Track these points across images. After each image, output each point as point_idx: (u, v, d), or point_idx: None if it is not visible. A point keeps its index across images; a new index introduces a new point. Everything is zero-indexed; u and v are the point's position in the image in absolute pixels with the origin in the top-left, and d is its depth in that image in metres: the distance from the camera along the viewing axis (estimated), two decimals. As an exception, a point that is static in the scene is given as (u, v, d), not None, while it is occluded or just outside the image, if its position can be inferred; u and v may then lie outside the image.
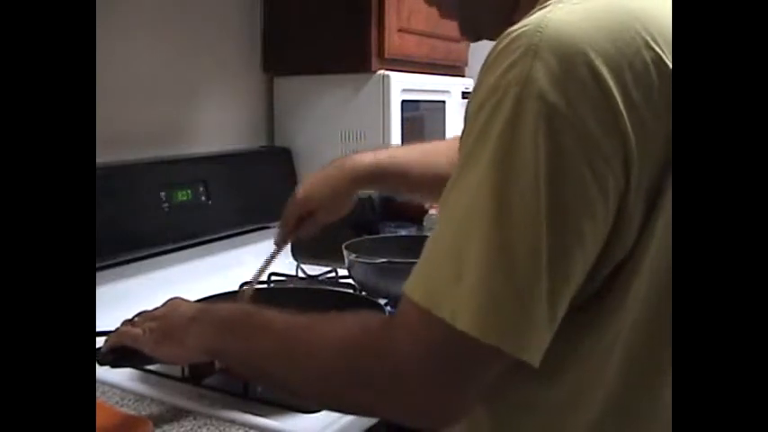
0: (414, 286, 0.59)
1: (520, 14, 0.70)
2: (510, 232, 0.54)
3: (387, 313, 1.12)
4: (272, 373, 0.73)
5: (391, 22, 1.72)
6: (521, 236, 0.54)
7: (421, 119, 1.86)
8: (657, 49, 0.57)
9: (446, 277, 0.57)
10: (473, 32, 0.82)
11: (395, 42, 1.73)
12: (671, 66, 0.57)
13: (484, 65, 0.59)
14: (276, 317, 0.76)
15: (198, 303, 0.89)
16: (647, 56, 0.56)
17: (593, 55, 0.54)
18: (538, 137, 0.53)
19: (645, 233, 0.59)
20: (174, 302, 0.88)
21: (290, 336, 0.72)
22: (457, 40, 2.05)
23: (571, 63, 0.54)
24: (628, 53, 0.55)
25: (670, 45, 0.57)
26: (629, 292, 0.61)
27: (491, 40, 0.83)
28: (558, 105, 0.53)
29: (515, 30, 0.58)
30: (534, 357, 0.56)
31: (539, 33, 0.55)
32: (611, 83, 0.54)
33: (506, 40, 0.58)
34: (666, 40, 0.58)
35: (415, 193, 1.23)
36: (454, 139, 0.80)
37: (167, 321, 0.84)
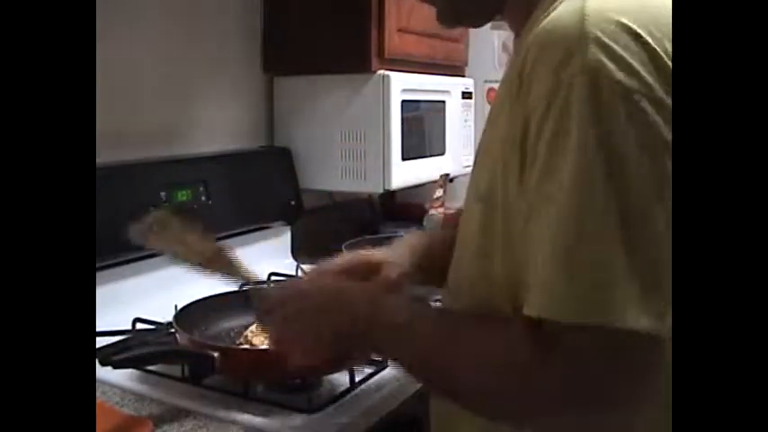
0: (565, 307, 0.57)
1: (515, 5, 0.71)
2: (637, 229, 0.55)
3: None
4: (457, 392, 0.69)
5: (391, 22, 1.72)
6: (645, 229, 0.55)
7: (421, 119, 1.86)
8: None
9: (598, 285, 0.56)
10: (453, 18, 0.82)
11: (395, 42, 1.73)
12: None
13: (530, 57, 0.59)
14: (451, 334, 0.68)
15: (337, 295, 0.78)
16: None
17: (641, 31, 0.56)
18: (623, 120, 0.55)
19: None
20: (295, 288, 0.80)
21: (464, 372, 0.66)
22: (457, 40, 2.05)
23: (625, 41, 0.55)
24: (667, 31, 0.57)
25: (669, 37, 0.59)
26: None
27: (472, 27, 0.83)
28: (630, 84, 0.55)
29: (555, 20, 0.59)
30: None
31: (585, 20, 0.56)
32: (664, 56, 0.56)
33: (552, 30, 0.59)
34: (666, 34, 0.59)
35: None
36: None
37: (332, 322, 0.75)
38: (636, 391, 0.58)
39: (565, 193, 0.56)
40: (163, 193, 1.41)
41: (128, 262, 1.35)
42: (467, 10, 0.79)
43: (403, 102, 1.73)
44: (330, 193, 1.96)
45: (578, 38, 0.56)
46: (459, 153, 2.03)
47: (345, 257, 1.02)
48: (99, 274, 1.25)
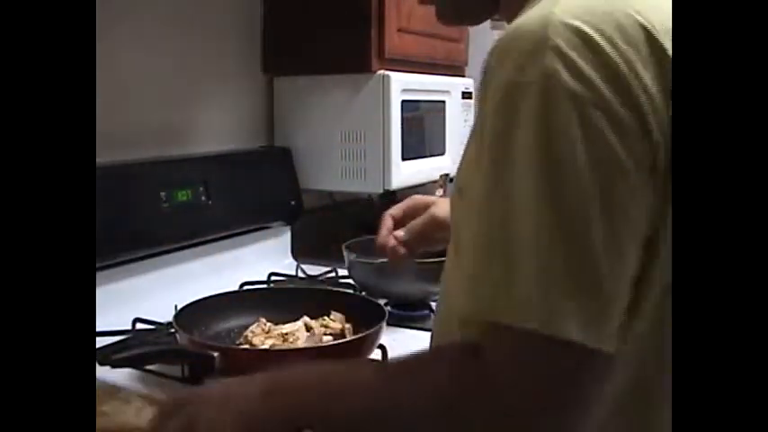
0: (488, 305, 0.56)
1: (508, 2, 0.71)
2: (570, 232, 0.54)
3: (386, 315, 1.12)
4: None
5: (391, 22, 1.72)
6: (580, 234, 0.54)
7: (421, 119, 1.86)
8: (659, 37, 0.58)
9: (502, 283, 0.55)
10: (453, 16, 0.83)
11: (395, 42, 1.73)
12: (670, 55, 0.57)
13: (492, 60, 0.60)
14: (354, 383, 0.65)
15: (227, 386, 0.73)
16: (650, 45, 0.57)
17: (602, 41, 0.56)
18: (571, 127, 0.54)
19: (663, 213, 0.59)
20: (195, 394, 0.74)
21: (379, 405, 0.63)
22: (457, 40, 2.05)
23: (583, 50, 0.55)
24: (633, 41, 0.56)
25: (669, 34, 0.58)
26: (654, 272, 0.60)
27: (471, 24, 0.82)
28: (582, 92, 0.55)
29: (522, 23, 0.59)
30: (613, 347, 0.55)
31: (548, 27, 0.56)
32: (624, 67, 0.55)
33: (515, 34, 0.59)
34: (666, 29, 0.58)
35: None
36: None
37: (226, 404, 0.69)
38: (567, 406, 0.56)
39: (509, 201, 0.56)
40: (163, 193, 1.41)
41: (128, 262, 1.35)
42: (466, 8, 0.80)
43: (403, 102, 1.73)
44: (330, 193, 1.96)
45: (538, 45, 0.56)
46: (459, 153, 2.01)
47: (404, 203, 1.14)
48: (99, 274, 1.25)
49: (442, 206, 1.07)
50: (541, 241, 0.54)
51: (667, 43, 0.57)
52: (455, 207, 0.75)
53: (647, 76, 0.56)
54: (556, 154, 0.54)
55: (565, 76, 0.55)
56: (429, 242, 1.10)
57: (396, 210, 1.15)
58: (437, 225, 1.07)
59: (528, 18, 0.59)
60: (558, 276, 0.54)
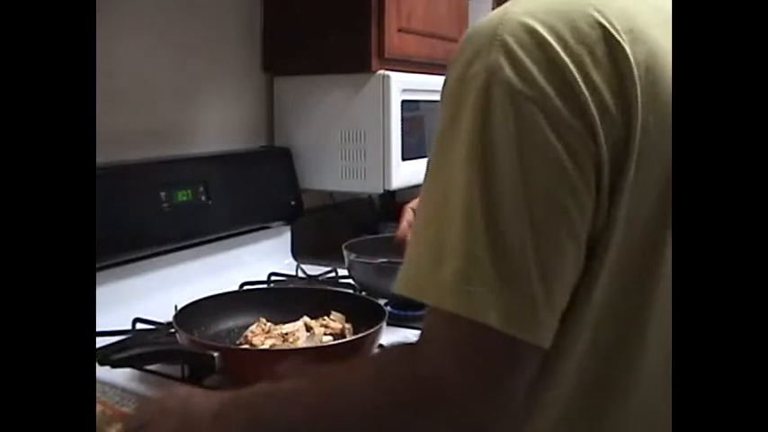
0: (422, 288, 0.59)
1: None
2: (496, 219, 0.55)
3: (386, 315, 1.12)
4: None
5: (391, 22, 1.72)
6: (507, 222, 0.55)
7: (421, 119, 1.86)
8: (618, 36, 0.58)
9: (433, 266, 0.57)
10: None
11: (395, 42, 1.73)
12: (629, 54, 0.58)
13: (451, 56, 0.62)
14: (295, 394, 0.69)
15: (189, 399, 0.76)
16: (607, 44, 0.58)
17: (552, 39, 0.57)
18: (508, 121, 0.55)
19: (610, 214, 0.59)
20: (160, 407, 0.76)
21: (322, 412, 0.65)
22: (457, 41, 2.05)
23: (530, 47, 0.56)
24: (588, 41, 0.57)
25: (631, 34, 0.58)
26: (598, 274, 0.61)
27: None
28: (522, 88, 0.55)
29: (480, 22, 0.61)
30: (544, 339, 0.56)
31: (500, 25, 0.58)
32: (572, 66, 0.56)
33: (470, 33, 0.61)
34: (627, 29, 0.59)
35: None
36: None
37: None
38: (491, 393, 0.57)
39: (445, 188, 0.58)
40: (163, 193, 1.41)
41: (128, 262, 1.35)
42: None
43: (403, 102, 1.73)
44: (330, 193, 1.96)
45: (488, 40, 0.58)
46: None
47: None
48: (99, 274, 1.25)
49: None
50: (469, 228, 0.55)
51: (626, 43, 0.58)
52: None
53: (599, 77, 0.56)
54: (490, 146, 0.56)
55: (508, 71, 0.56)
56: None
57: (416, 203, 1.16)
58: None
59: (487, 17, 0.60)
60: (482, 262, 0.55)
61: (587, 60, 0.56)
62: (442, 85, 0.63)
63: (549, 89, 0.56)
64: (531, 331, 0.55)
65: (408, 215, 1.15)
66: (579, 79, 0.56)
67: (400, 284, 0.60)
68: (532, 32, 0.57)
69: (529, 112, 0.55)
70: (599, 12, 0.58)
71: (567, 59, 0.56)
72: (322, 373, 0.69)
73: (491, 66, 0.56)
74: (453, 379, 0.56)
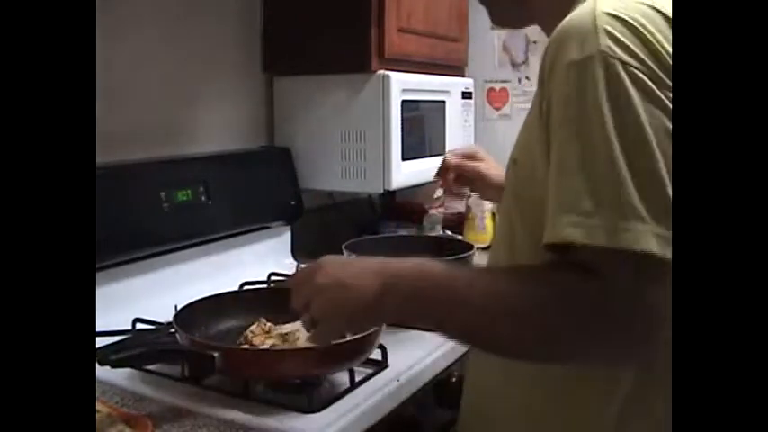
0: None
1: (549, 18, 0.86)
2: (636, 167, 0.67)
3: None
4: (484, 336, 0.75)
5: (391, 22, 1.72)
6: (646, 168, 0.66)
7: (421, 119, 1.86)
8: (670, 21, 0.71)
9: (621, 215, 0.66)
10: (500, 24, 1.02)
11: (395, 42, 1.73)
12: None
13: (551, 49, 0.74)
14: (472, 281, 0.76)
15: (355, 263, 0.83)
16: (668, 26, 0.71)
17: (638, 26, 0.70)
18: (628, 88, 0.68)
19: None
20: (327, 267, 0.81)
21: (494, 305, 0.72)
22: (457, 40, 2.05)
23: (627, 33, 0.69)
24: (658, 25, 0.71)
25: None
26: None
27: (515, 29, 0.95)
28: (631, 62, 0.69)
29: (572, 19, 0.73)
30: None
31: (597, 18, 0.71)
32: (656, 44, 0.70)
33: (568, 27, 0.73)
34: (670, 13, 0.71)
35: None
36: None
37: (344, 296, 0.78)
38: (646, 320, 0.67)
39: (589, 147, 0.68)
40: (163, 193, 1.41)
41: (128, 262, 1.36)
42: (508, 19, 1.01)
43: (403, 102, 1.73)
44: (330, 193, 1.96)
45: (592, 30, 0.70)
46: (459, 153, 2.03)
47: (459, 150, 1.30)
48: (99, 274, 1.25)
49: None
50: (618, 177, 0.66)
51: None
52: (509, 176, 0.88)
53: (669, 48, 0.69)
54: (619, 108, 0.67)
55: (617, 50, 0.69)
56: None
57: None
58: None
59: (575, 15, 0.73)
60: (633, 202, 0.66)
61: (661, 38, 0.70)
62: (540, 74, 0.76)
63: (649, 61, 0.69)
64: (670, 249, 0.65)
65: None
66: (664, 52, 0.69)
67: (563, 232, 0.68)
68: (623, 21, 0.70)
69: (640, 79, 0.68)
70: (654, 3, 0.72)
71: (651, 39, 0.69)
72: (491, 275, 0.78)
73: (603, 48, 0.69)
74: (623, 296, 0.66)
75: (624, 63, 0.68)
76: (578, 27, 0.72)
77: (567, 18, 0.74)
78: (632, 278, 0.66)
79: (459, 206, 1.30)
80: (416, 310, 0.78)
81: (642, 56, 0.69)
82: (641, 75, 0.68)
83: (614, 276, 0.66)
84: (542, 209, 0.72)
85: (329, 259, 0.83)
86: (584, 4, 0.74)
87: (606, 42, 0.69)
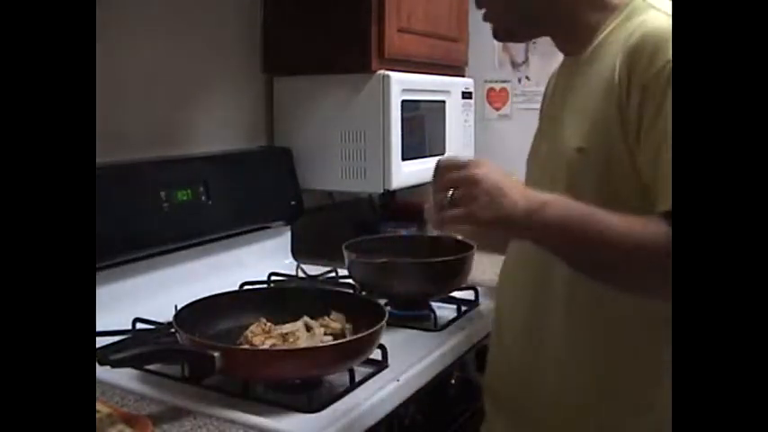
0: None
1: (570, 32, 0.98)
2: None
3: (386, 315, 1.12)
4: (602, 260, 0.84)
5: (391, 22, 1.72)
6: None
7: (421, 119, 1.86)
8: None
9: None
10: (505, 37, 1.05)
11: (395, 42, 1.73)
12: None
13: (646, 51, 0.83)
14: (612, 220, 0.83)
15: (511, 178, 0.89)
16: None
17: None
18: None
19: None
20: (489, 166, 0.87)
21: (631, 246, 0.81)
22: (457, 41, 2.05)
23: None
24: None
25: None
26: None
27: (520, 42, 1.04)
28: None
29: (655, 30, 0.84)
30: None
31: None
32: None
33: (656, 36, 0.83)
34: None
35: None
36: None
37: (499, 197, 0.84)
38: None
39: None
40: (163, 193, 1.41)
41: (128, 262, 1.36)
42: (516, 33, 1.05)
43: (403, 102, 1.73)
44: (330, 193, 1.96)
45: (667, 39, 0.79)
46: (459, 153, 2.03)
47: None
48: (99, 274, 1.25)
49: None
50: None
51: None
52: (574, 164, 0.92)
53: None
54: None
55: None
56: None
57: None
58: None
59: (659, 25, 0.84)
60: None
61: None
62: (630, 66, 0.85)
63: None
64: None
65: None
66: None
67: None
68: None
69: None
70: None
71: None
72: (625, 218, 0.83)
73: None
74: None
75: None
76: (666, 35, 0.81)
77: (650, 28, 0.85)
78: None
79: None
80: (556, 236, 0.85)
81: None
82: None
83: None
84: (629, 186, 0.85)
85: (487, 161, 0.88)
86: (656, 16, 0.87)
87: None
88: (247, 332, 1.12)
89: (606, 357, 0.94)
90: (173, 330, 1.08)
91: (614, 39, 0.91)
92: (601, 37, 0.95)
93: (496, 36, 1.03)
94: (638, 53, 0.84)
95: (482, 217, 0.84)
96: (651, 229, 0.80)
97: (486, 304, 1.44)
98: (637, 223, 0.81)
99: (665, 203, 0.80)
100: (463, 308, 1.41)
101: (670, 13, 0.84)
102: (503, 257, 1.10)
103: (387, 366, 1.11)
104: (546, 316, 0.97)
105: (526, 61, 2.29)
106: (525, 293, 1.01)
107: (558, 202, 0.85)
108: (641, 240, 0.80)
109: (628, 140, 0.85)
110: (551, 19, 0.99)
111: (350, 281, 1.46)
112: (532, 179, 1.03)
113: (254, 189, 1.64)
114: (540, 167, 1.04)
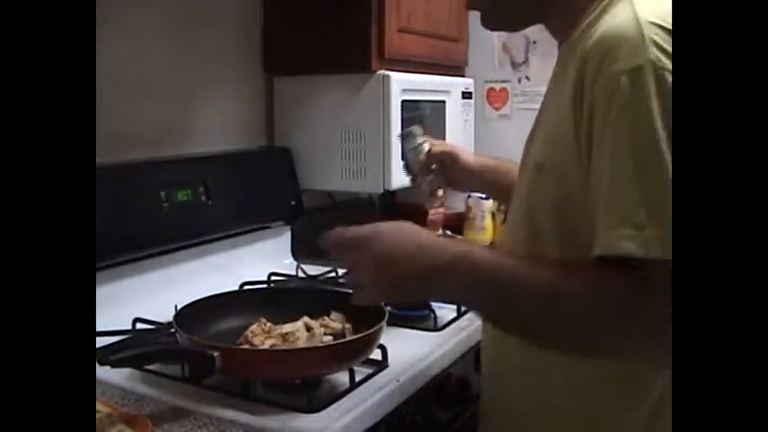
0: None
1: (561, 16, 0.88)
2: (661, 172, 0.68)
3: (386, 315, 1.12)
4: (528, 324, 0.78)
5: (391, 22, 1.72)
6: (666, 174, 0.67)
7: (421, 119, 1.86)
8: None
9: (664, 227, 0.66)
10: (498, 24, 0.97)
11: (395, 42, 1.73)
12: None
13: (593, 59, 0.73)
14: (522, 274, 0.77)
15: (411, 240, 0.83)
16: None
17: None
18: (667, 102, 0.68)
19: None
20: (385, 235, 0.83)
21: (544, 301, 0.75)
22: (457, 40, 2.05)
23: (670, 41, 0.69)
24: None
25: None
26: None
27: (511, 32, 1.02)
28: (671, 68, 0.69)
29: (614, 28, 0.74)
30: None
31: (644, 27, 0.71)
32: None
33: (614, 36, 0.73)
34: None
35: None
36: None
37: (396, 273, 0.81)
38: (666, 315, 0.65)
39: (634, 157, 0.69)
40: (163, 193, 1.41)
41: (128, 262, 1.35)
42: (510, 18, 0.95)
43: (403, 102, 1.73)
44: (330, 193, 1.96)
45: (639, 40, 0.70)
46: (459, 153, 2.03)
47: (441, 148, 1.30)
48: (99, 274, 1.25)
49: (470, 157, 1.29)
50: (667, 192, 0.65)
51: None
52: (531, 181, 0.87)
53: None
54: (668, 124, 0.67)
55: (666, 61, 0.69)
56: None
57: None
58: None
59: (618, 23, 0.73)
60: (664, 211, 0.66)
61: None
62: (577, 81, 0.76)
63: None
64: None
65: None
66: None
67: (618, 245, 0.69)
68: (668, 31, 0.70)
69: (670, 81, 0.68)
70: None
71: None
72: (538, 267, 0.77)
73: (653, 58, 0.69)
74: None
75: (671, 73, 0.68)
76: (625, 36, 0.72)
77: (608, 26, 0.75)
78: (666, 281, 0.64)
79: (436, 204, 1.35)
80: (463, 299, 0.83)
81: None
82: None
83: (667, 285, 0.64)
84: (577, 214, 0.76)
85: (386, 229, 0.84)
86: (621, 11, 0.75)
87: (655, 52, 0.69)
88: (247, 332, 1.12)
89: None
90: (173, 330, 1.08)
91: (588, 33, 0.80)
92: (583, 25, 0.84)
93: (485, 23, 0.95)
94: (590, 60, 0.75)
95: (382, 298, 0.83)
96: (569, 280, 0.73)
97: (486, 304, 1.44)
98: (554, 273, 0.74)
99: (599, 246, 0.71)
100: (463, 308, 1.41)
101: (647, 5, 0.74)
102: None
103: (387, 366, 1.11)
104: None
105: (526, 61, 2.29)
106: None
107: (463, 263, 0.78)
108: (555, 293, 0.73)
109: (581, 161, 0.76)
110: (537, 1, 0.90)
111: (350, 281, 1.46)
112: (516, 188, 0.96)
113: (254, 189, 1.64)
114: (518, 176, 0.97)
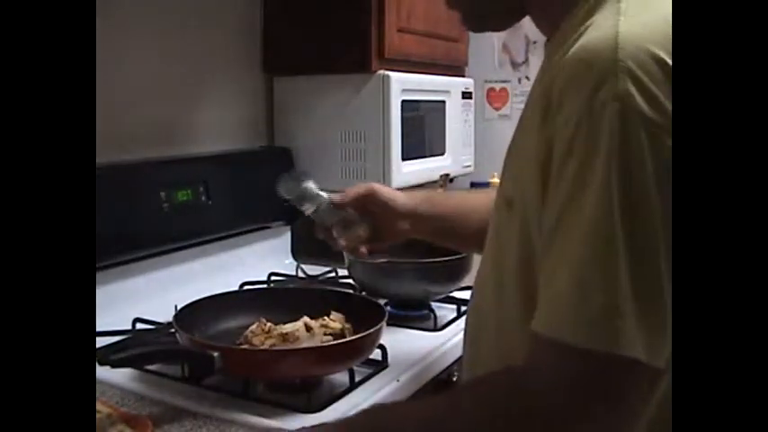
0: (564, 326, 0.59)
1: (542, 12, 0.77)
2: (638, 253, 0.57)
3: (386, 315, 1.12)
4: None
5: (391, 22, 1.72)
6: (646, 255, 0.57)
7: (421, 119, 1.86)
8: None
9: (607, 312, 0.57)
10: (477, 23, 0.88)
11: (395, 42, 1.73)
12: None
13: (561, 81, 0.61)
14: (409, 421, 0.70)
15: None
16: None
17: (670, 59, 0.57)
18: (644, 151, 0.57)
19: None
20: None
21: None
22: (457, 40, 2.05)
23: (656, 74, 0.57)
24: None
25: None
26: None
27: (494, 31, 0.87)
28: (653, 116, 0.57)
29: (588, 47, 0.61)
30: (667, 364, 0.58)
31: (620, 49, 0.58)
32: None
33: (585, 55, 0.60)
34: None
35: (449, 240, 1.20)
36: (490, 191, 0.85)
37: None
38: (620, 419, 0.59)
39: (586, 222, 0.58)
40: (163, 193, 1.41)
41: (128, 262, 1.36)
42: (491, 16, 0.85)
43: (403, 102, 1.73)
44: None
45: (611, 67, 0.58)
46: (459, 153, 2.03)
47: (354, 190, 1.11)
48: (99, 274, 1.25)
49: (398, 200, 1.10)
50: (613, 262, 0.57)
51: None
52: (501, 217, 0.76)
53: None
54: (630, 178, 0.57)
55: (638, 99, 0.57)
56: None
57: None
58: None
59: (594, 40, 0.61)
60: (627, 296, 0.56)
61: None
62: (539, 100, 0.64)
63: (668, 105, 0.56)
64: (662, 359, 0.57)
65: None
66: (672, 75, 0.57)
67: (553, 327, 0.60)
68: (652, 55, 0.57)
69: (662, 141, 0.56)
70: None
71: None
72: (425, 410, 0.71)
73: (621, 94, 0.57)
74: (576, 411, 0.59)
75: (646, 119, 0.57)
76: (596, 58, 0.59)
77: (586, 40, 0.62)
78: (621, 381, 0.58)
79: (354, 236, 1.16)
80: None
81: (663, 99, 0.57)
82: (662, 134, 0.56)
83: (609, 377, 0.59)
84: (531, 263, 0.66)
85: None
86: (604, 21, 0.62)
87: (626, 86, 0.57)
88: (247, 332, 1.12)
89: None
90: (173, 330, 1.08)
91: (570, 36, 0.66)
92: (567, 25, 0.70)
93: (466, 24, 0.88)
94: (558, 78, 0.62)
95: None
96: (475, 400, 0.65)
97: (486, 304, 1.44)
98: (466, 403, 0.65)
99: (539, 323, 0.61)
100: (463, 308, 1.41)
101: (637, 15, 0.62)
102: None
103: (387, 366, 1.11)
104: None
105: (526, 61, 2.29)
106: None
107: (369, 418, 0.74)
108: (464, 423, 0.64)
109: (543, 200, 0.64)
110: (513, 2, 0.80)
111: (350, 281, 1.46)
112: (490, 226, 0.84)
113: (254, 189, 1.64)
114: (493, 210, 0.83)
